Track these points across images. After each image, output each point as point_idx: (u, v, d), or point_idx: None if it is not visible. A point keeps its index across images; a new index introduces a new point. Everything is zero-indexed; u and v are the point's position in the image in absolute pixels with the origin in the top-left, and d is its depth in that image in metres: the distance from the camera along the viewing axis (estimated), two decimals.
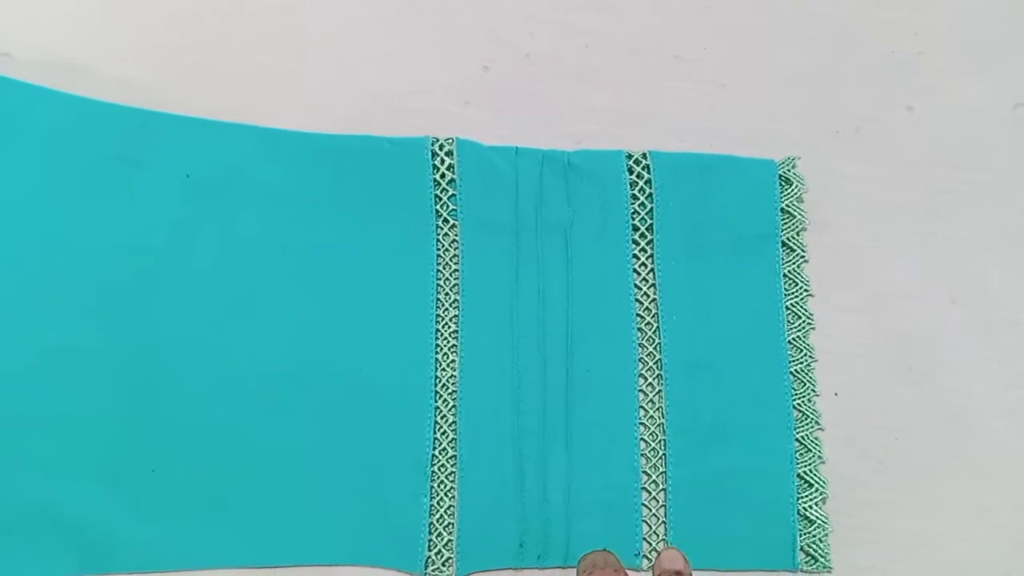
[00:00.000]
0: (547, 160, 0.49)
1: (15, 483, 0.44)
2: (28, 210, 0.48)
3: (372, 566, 0.44)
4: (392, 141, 0.50)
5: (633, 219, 0.48)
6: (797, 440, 0.45)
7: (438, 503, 0.44)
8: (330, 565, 0.44)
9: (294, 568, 0.44)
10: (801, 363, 0.46)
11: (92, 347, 0.46)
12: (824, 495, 0.44)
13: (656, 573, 0.36)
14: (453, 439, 0.45)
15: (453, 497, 0.44)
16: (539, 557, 0.44)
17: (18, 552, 0.43)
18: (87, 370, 0.46)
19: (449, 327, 0.47)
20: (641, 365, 0.46)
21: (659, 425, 0.45)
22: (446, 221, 0.49)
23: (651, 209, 0.48)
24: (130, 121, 0.50)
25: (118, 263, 0.47)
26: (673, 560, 0.37)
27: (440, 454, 0.45)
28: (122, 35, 0.53)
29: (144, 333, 0.46)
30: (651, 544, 0.44)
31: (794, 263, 0.48)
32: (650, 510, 0.44)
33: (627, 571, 0.37)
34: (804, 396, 0.46)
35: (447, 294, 0.48)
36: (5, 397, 0.45)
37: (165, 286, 0.47)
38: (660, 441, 0.45)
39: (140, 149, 0.49)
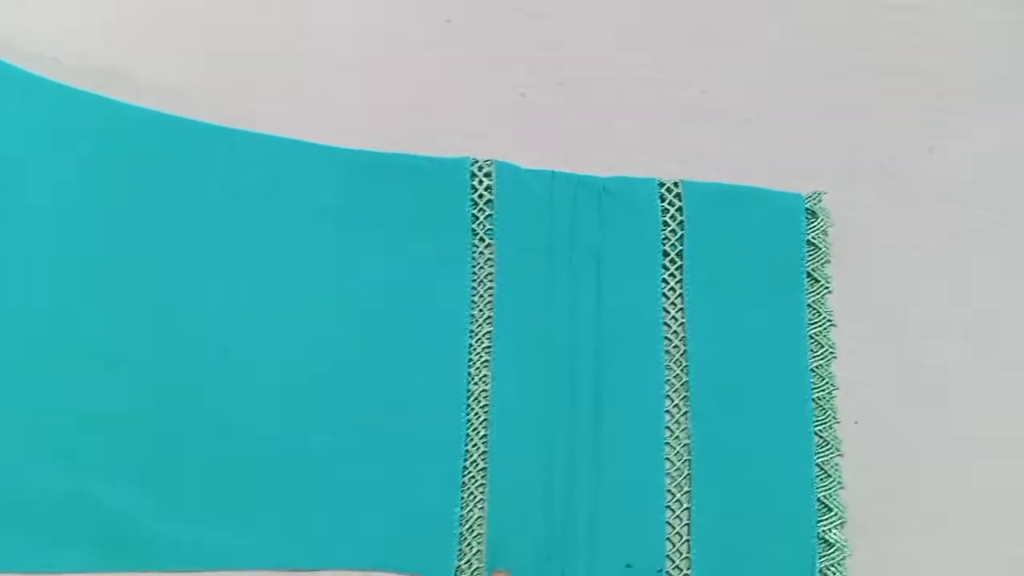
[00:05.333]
0: (582, 185, 0.51)
1: (43, 475, 0.45)
2: (68, 213, 0.49)
3: (400, 573, 0.44)
4: (432, 160, 0.51)
5: (664, 245, 0.50)
6: (817, 466, 0.46)
7: (468, 514, 0.45)
8: (358, 570, 0.44)
9: (321, 572, 0.44)
10: (823, 391, 0.48)
11: (126, 347, 0.47)
12: (843, 519, 0.45)
13: None
14: (484, 452, 0.46)
15: (483, 509, 0.45)
16: (563, 571, 0.44)
17: (43, 543, 0.44)
18: (120, 369, 0.46)
19: (482, 343, 0.48)
20: (668, 387, 0.48)
21: (684, 446, 0.47)
22: (482, 240, 0.50)
23: (681, 236, 0.50)
24: (172, 129, 0.51)
25: (155, 267, 0.48)
26: None
27: (471, 466, 0.46)
28: (165, 44, 0.55)
29: (180, 336, 0.47)
30: (674, 561, 0.45)
31: (818, 294, 0.49)
32: (674, 528, 0.45)
33: None
34: (825, 423, 0.47)
35: (481, 310, 0.49)
36: (38, 392, 0.46)
37: (201, 291, 0.48)
38: (685, 462, 0.46)
39: (181, 157, 0.50)
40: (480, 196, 0.50)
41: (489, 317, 0.49)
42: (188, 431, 0.46)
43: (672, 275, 0.50)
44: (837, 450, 0.47)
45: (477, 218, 0.50)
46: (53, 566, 0.44)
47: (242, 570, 0.44)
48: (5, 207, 0.49)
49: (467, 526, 0.45)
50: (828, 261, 0.50)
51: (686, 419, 0.47)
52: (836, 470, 0.46)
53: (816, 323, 0.49)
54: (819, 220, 0.50)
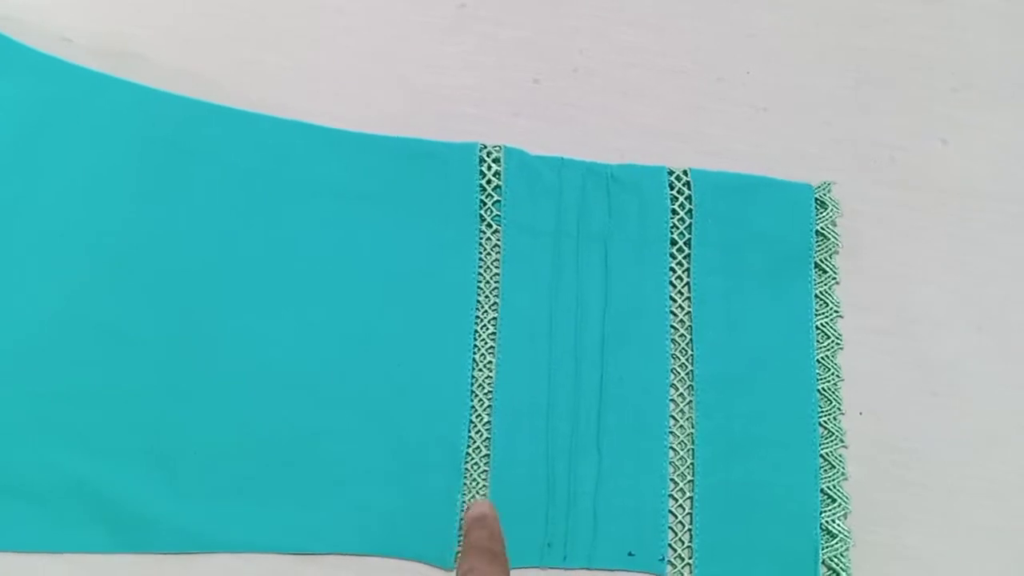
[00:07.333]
0: (590, 172, 0.51)
1: (54, 456, 0.45)
2: (82, 193, 0.49)
3: (403, 558, 0.44)
4: (441, 145, 0.51)
5: (672, 233, 0.50)
6: (822, 456, 0.46)
7: (470, 500, 0.45)
8: (361, 555, 0.45)
9: (325, 556, 0.45)
10: (828, 382, 0.47)
11: (139, 328, 0.47)
12: (847, 510, 0.45)
13: (465, 521, 0.37)
14: (487, 438, 0.46)
15: (485, 495, 0.45)
16: (565, 558, 0.45)
17: (52, 523, 0.44)
18: (132, 350, 0.47)
19: (487, 328, 0.48)
20: (673, 376, 0.48)
21: (688, 435, 0.47)
22: (489, 225, 0.50)
23: (689, 224, 0.50)
24: (187, 111, 0.52)
25: (168, 248, 0.49)
26: (479, 506, 0.38)
27: (474, 452, 0.46)
28: (180, 25, 0.55)
29: (191, 317, 0.48)
30: (676, 550, 0.45)
31: (826, 284, 0.49)
32: (676, 517, 0.45)
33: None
34: (830, 414, 0.47)
35: (487, 296, 0.49)
36: (50, 372, 0.46)
37: (214, 272, 0.49)
38: (688, 451, 0.46)
39: (196, 139, 0.51)
40: (489, 182, 0.50)
41: (495, 303, 0.49)
42: (197, 413, 0.46)
43: (680, 263, 0.50)
44: (841, 441, 0.46)
45: (485, 203, 0.50)
46: (62, 546, 0.44)
47: (247, 553, 0.44)
48: (18, 187, 0.49)
49: None
50: (837, 252, 0.50)
51: (691, 408, 0.47)
52: (840, 461, 0.46)
53: (823, 313, 0.49)
54: (828, 210, 0.50)
